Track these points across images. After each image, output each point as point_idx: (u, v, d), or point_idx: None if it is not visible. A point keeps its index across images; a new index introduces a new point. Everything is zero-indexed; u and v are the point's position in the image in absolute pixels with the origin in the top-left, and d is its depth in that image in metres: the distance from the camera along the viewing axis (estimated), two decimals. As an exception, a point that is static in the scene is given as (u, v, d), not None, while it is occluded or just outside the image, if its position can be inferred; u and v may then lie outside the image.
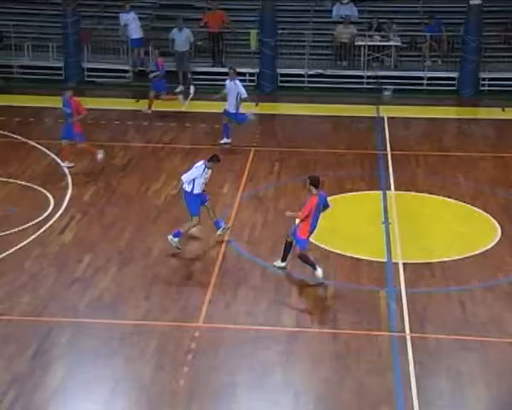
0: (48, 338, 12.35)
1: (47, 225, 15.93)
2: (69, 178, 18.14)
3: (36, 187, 17.62)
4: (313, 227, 13.94)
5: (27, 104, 22.94)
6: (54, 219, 16.23)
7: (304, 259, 14.03)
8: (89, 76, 25.74)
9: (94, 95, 24.37)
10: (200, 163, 14.93)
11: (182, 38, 24.95)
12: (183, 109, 23.19)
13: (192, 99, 23.65)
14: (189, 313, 13.04)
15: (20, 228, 15.72)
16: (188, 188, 14.87)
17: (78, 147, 18.71)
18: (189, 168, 15.10)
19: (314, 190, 13.87)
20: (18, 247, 15.03)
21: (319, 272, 13.90)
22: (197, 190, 14.88)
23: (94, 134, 20.35)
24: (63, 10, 25.26)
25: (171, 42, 25.16)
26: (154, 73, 22.45)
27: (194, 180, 14.80)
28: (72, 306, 13.22)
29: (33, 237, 15.46)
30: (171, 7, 27.67)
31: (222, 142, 20.27)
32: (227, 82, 20.06)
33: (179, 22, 25.09)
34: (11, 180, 17.94)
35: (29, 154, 19.56)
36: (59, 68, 25.35)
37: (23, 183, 17.84)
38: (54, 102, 23.11)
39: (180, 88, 24.38)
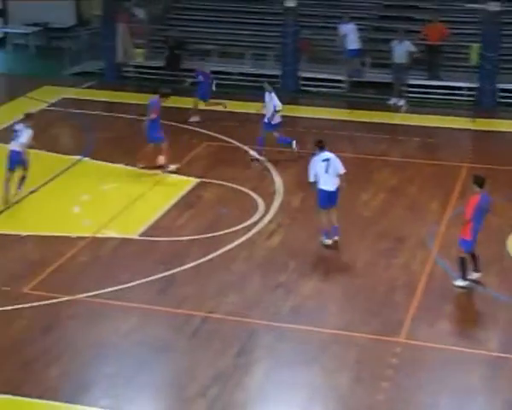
0: (250, 339, 12.60)
1: (256, 229, 16.26)
2: (279, 184, 18.43)
3: (247, 191, 18.04)
4: (476, 229, 13.58)
5: (243, 110, 23.54)
6: (262, 223, 16.54)
7: (462, 262, 13.69)
8: (304, 85, 26.06)
9: (308, 104, 24.63)
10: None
11: (401, 50, 24.67)
12: (396, 122, 22.96)
13: (405, 112, 23.36)
14: (391, 328, 12.83)
15: (230, 230, 16.16)
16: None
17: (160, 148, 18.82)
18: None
19: (477, 189, 13.63)
20: (227, 248, 15.46)
21: (463, 282, 13.58)
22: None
23: (306, 143, 20.55)
24: (284, 21, 25.76)
25: (391, 53, 24.92)
26: (191, 80, 23.02)
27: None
28: (275, 310, 13.40)
29: (242, 239, 15.83)
30: (391, 18, 27.45)
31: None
32: (266, 94, 19.91)
33: (400, 34, 24.83)
34: (226, 183, 18.47)
35: (243, 158, 20.06)
36: (276, 76, 25.85)
37: (235, 186, 18.33)
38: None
39: (393, 100, 24.14)
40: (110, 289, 13.88)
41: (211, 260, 15.04)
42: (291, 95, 24.58)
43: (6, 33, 30.86)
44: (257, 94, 23.88)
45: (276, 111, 19.72)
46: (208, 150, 20.61)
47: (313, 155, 15.68)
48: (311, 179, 15.44)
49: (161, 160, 18.79)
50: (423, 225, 16.36)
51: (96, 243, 15.67)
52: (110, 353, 12.34)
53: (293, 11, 25.54)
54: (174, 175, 18.87)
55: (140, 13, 28.27)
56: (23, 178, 17.18)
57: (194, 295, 13.86)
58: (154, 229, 16.18)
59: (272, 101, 19.76)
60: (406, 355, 12.15)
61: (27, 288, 13.87)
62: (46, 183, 17.92)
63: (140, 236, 15.95)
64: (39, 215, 16.98)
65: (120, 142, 20.97)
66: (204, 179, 18.63)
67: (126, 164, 19.35)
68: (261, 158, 19.79)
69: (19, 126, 17.12)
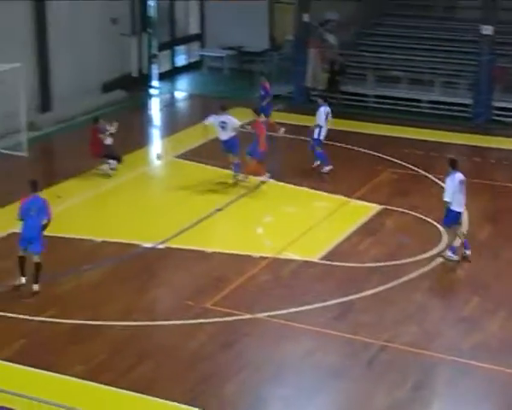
0: (429, 373, 12.27)
1: (438, 261, 15.85)
2: (465, 216, 17.89)
3: (431, 221, 17.65)
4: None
5: (431, 138, 23.13)
6: (446, 254, 16.10)
7: None
8: (497, 115, 25.24)
9: (500, 134, 23.83)
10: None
11: None
12: None
13: None
14: None
15: (413, 259, 15.85)
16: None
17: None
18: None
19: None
20: (408, 277, 15.17)
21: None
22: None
23: (496, 174, 19.86)
24: (479, 48, 25.08)
25: None
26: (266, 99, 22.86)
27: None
28: (456, 344, 13.00)
29: (424, 269, 15.49)
30: None
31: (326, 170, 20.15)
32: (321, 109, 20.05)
33: None
34: (409, 212, 18.17)
35: (428, 188, 19.67)
36: (467, 106, 25.22)
37: (420, 215, 17.98)
38: (458, 138, 23.18)
39: None
40: (289, 311, 13.96)
41: (391, 288, 14.81)
42: (483, 125, 23.88)
43: (202, 56, 32.04)
44: (446, 123, 23.52)
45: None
46: (392, 178, 20.37)
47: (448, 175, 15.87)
48: (448, 199, 15.63)
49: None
50: None
51: (277, 263, 15.83)
52: (286, 374, 12.39)
53: (489, 39, 24.83)
54: (357, 201, 18.79)
55: (331, 39, 28.48)
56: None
57: (372, 322, 13.68)
58: (334, 253, 16.15)
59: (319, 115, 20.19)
60: None
61: (209, 303, 14.21)
62: (232, 202, 18.35)
63: (320, 259, 15.97)
64: (224, 233, 17.40)
65: (305, 165, 21.13)
66: (387, 207, 18.42)
67: (311, 187, 19.49)
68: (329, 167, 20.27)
69: (224, 117, 18.73)
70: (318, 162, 20.51)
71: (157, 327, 13.59)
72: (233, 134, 19.24)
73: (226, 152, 19.51)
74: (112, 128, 20.32)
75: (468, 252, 15.86)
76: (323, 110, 20.50)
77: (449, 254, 15.81)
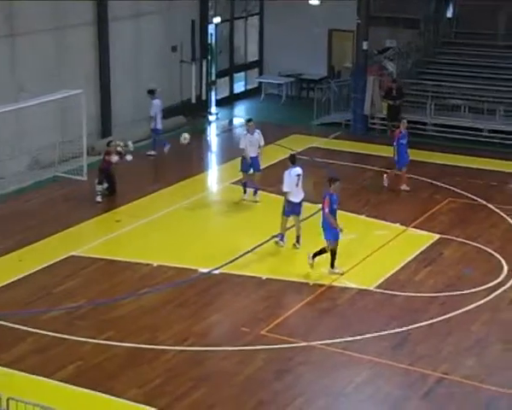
0: (488, 407, 12.04)
1: (498, 292, 15.60)
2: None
3: (491, 251, 17.39)
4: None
5: (492, 168, 22.84)
6: (506, 286, 15.84)
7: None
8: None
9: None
10: None
11: None
12: None
13: None
14: None
15: (472, 290, 15.62)
16: None
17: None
18: None
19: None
20: (467, 309, 14.94)
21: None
22: None
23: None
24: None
25: None
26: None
27: None
28: (516, 378, 12.73)
29: (483, 301, 15.25)
30: None
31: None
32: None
33: None
34: (468, 242, 17.93)
35: (488, 217, 19.40)
36: (528, 135, 24.90)
37: (479, 245, 17.72)
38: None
39: None
40: (345, 339, 13.86)
41: (449, 319, 14.60)
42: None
43: (260, 83, 32.21)
44: (507, 152, 23.20)
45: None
46: (451, 207, 20.14)
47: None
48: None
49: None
50: None
51: (334, 291, 15.74)
52: (342, 404, 12.28)
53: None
54: (415, 230, 18.61)
55: (390, 66, 28.38)
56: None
57: (430, 354, 13.48)
58: (391, 282, 16.00)
59: None
60: None
61: (265, 330, 14.17)
62: (288, 228, 18.32)
63: (377, 288, 15.83)
64: (279, 260, 17.38)
65: (363, 193, 21.04)
66: (445, 236, 18.20)
67: (368, 215, 19.38)
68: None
69: (298, 171, 17.84)
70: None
71: (212, 353, 13.60)
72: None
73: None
74: (121, 146, 20.52)
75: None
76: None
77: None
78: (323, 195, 16.25)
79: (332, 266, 16.27)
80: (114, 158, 20.38)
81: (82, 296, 15.45)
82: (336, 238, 16.15)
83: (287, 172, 17.54)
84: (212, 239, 18.28)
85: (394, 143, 21.07)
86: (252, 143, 20.15)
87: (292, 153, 19.13)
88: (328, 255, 16.24)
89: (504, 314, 14.82)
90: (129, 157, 20.94)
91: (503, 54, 28.08)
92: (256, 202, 20.20)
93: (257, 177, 20.37)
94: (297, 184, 17.51)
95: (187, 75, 27.79)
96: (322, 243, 16.29)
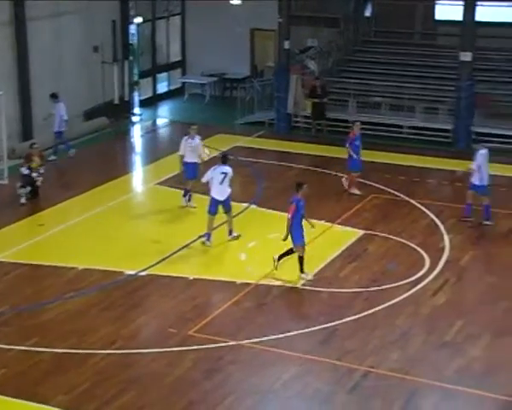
0: (412, 398, 12.28)
1: (421, 285, 15.91)
2: (447, 241, 18.00)
3: (414, 246, 17.73)
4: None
5: (413, 164, 23.27)
6: (428, 279, 16.17)
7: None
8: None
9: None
10: None
11: None
12: None
13: None
14: None
15: (395, 285, 15.89)
16: None
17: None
18: None
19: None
20: (391, 303, 15.20)
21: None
22: None
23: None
24: (459, 74, 25.31)
25: None
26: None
27: None
28: (440, 369, 13.00)
29: (406, 295, 15.53)
30: None
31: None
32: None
33: None
34: (392, 237, 18.24)
35: (410, 213, 19.77)
36: (447, 131, 25.42)
37: (402, 240, 18.05)
38: (439, 163, 23.34)
39: None
40: (272, 337, 13.94)
41: (374, 314, 14.83)
42: (462, 150, 24.06)
43: (184, 83, 32.14)
44: (426, 148, 23.67)
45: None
46: (374, 203, 20.45)
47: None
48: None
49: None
50: None
51: (261, 289, 15.82)
52: (271, 401, 12.36)
53: (468, 65, 25.07)
54: (340, 226, 18.85)
55: (312, 65, 28.66)
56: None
57: (356, 348, 13.68)
58: (317, 279, 16.16)
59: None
60: None
61: (193, 330, 14.16)
62: (214, 228, 18.34)
63: (303, 285, 15.97)
64: (207, 259, 17.39)
65: (288, 191, 21.16)
66: (369, 232, 18.48)
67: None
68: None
69: (226, 169, 17.72)
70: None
71: (141, 355, 13.52)
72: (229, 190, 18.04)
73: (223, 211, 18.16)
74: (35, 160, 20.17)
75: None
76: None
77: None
78: (291, 200, 16.03)
79: (301, 270, 16.13)
80: (24, 170, 20.02)
81: (5, 302, 15.19)
82: (302, 244, 16.04)
83: (212, 168, 17.67)
84: (138, 241, 18.17)
85: (347, 145, 20.86)
86: (192, 148, 19.61)
87: (224, 153, 19.10)
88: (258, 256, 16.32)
89: (427, 307, 15.12)
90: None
91: (421, 52, 28.66)
92: (194, 207, 19.69)
93: (189, 184, 19.75)
94: (221, 182, 17.55)
95: (109, 76, 27.54)
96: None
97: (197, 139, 19.82)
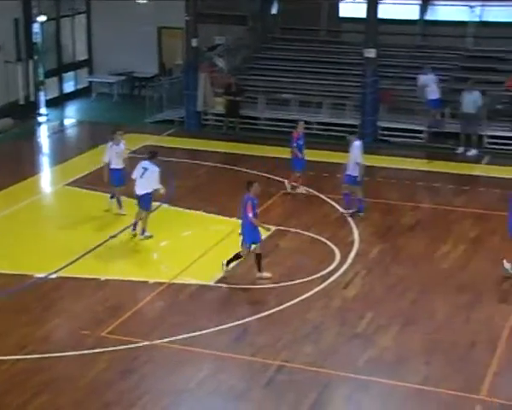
0: (326, 390, 12.47)
1: (332, 279, 16.17)
2: (356, 235, 18.33)
3: (324, 240, 17.99)
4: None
5: (322, 159, 23.58)
6: (339, 273, 16.44)
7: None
8: (383, 135, 25.97)
9: (386, 153, 24.51)
10: None
11: (469, 100, 24.44)
12: (477, 173, 22.77)
13: (487, 163, 23.11)
14: (472, 384, 12.51)
15: (306, 279, 16.10)
16: None
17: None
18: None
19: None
20: (303, 297, 15.39)
21: None
22: None
23: (383, 192, 20.47)
24: (363, 71, 25.79)
25: (460, 103, 24.73)
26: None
27: None
28: (352, 361, 13.24)
29: (318, 289, 15.75)
30: (473, 69, 27.20)
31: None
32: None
33: (469, 84, 24.78)
34: (303, 232, 18.47)
35: (320, 207, 20.05)
36: (354, 126, 25.87)
37: (313, 235, 18.30)
38: (346, 158, 23.71)
39: (460, 150, 24.10)
40: (186, 336, 13.95)
41: (286, 308, 14.99)
42: (369, 145, 24.51)
43: (91, 82, 31.76)
44: (335, 143, 24.03)
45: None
46: (285, 198, 20.66)
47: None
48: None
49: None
50: (504, 278, 16.02)
51: (173, 288, 15.80)
52: (187, 399, 12.37)
53: (372, 61, 25.56)
54: (251, 223, 18.94)
55: (220, 62, 28.74)
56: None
57: (269, 344, 13.80)
58: (230, 276, 16.24)
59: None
60: (487, 412, 11.85)
61: (106, 332, 14.04)
62: (125, 228, 18.21)
63: (216, 282, 16.02)
64: (118, 260, 17.26)
65: (199, 189, 21.21)
66: (281, 228, 18.65)
67: (204, 211, 19.56)
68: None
69: (146, 164, 17.70)
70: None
71: (53, 359, 13.32)
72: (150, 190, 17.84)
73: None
74: None
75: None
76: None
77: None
78: (244, 200, 15.81)
79: (259, 270, 16.03)
80: None
81: None
82: (257, 241, 15.95)
83: (139, 165, 17.74)
84: (47, 243, 17.90)
85: (294, 145, 20.62)
86: (118, 154, 19.02)
87: (153, 151, 18.77)
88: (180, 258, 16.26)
89: (338, 300, 15.37)
90: None
91: (327, 49, 29.07)
92: (124, 214, 19.07)
93: (116, 191, 19.20)
94: (141, 176, 17.51)
95: (13, 75, 26.99)
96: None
97: (122, 145, 19.31)
